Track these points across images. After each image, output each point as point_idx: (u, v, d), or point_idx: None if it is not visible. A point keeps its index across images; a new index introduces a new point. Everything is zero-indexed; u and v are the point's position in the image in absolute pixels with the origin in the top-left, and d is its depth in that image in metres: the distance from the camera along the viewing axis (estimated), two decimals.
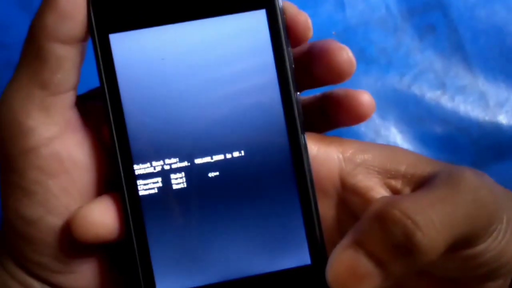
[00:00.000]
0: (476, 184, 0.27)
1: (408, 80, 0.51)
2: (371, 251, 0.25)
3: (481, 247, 0.27)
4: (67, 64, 0.29)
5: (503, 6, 0.52)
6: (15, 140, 0.29)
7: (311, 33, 0.31)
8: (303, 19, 0.30)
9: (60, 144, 0.29)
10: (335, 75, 0.31)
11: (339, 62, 0.30)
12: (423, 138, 0.50)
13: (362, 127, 0.51)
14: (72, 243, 0.29)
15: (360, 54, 0.52)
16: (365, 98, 0.32)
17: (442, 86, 0.51)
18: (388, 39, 0.52)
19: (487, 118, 0.51)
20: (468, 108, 0.51)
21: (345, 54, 0.31)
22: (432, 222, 0.25)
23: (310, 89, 0.33)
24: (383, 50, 0.52)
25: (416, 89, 0.51)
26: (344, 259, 0.26)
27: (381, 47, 0.52)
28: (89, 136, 0.31)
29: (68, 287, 0.31)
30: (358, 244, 0.26)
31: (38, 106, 0.29)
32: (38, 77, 0.29)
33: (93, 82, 0.31)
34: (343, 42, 0.51)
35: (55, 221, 0.29)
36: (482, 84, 0.51)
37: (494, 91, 0.51)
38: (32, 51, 0.29)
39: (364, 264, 0.25)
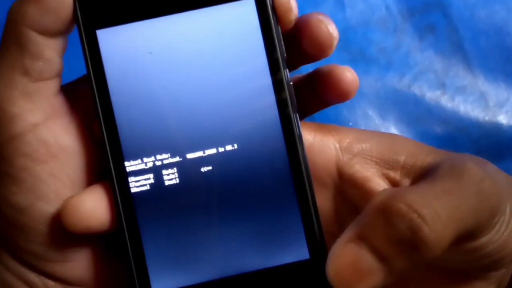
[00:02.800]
0: (480, 176, 0.27)
1: (408, 80, 0.51)
2: (374, 246, 0.24)
3: (484, 239, 0.27)
4: (47, 52, 0.29)
5: (503, 6, 0.51)
6: (0, 127, 0.29)
7: (292, 14, 0.30)
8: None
9: (46, 129, 0.29)
10: (317, 49, 0.30)
11: (318, 35, 0.30)
12: (423, 138, 0.50)
13: (362, 127, 0.51)
14: (65, 230, 0.29)
15: (360, 54, 0.52)
16: (347, 74, 0.31)
17: (442, 86, 0.51)
18: (388, 39, 0.52)
19: (487, 118, 0.51)
20: (468, 108, 0.51)
21: (324, 27, 0.30)
22: (438, 216, 0.24)
23: (300, 65, 0.33)
24: (383, 50, 0.52)
25: (416, 89, 0.51)
26: (345, 254, 0.25)
27: (381, 47, 0.52)
28: (77, 122, 0.30)
29: (64, 276, 0.31)
30: (361, 238, 0.25)
31: (21, 93, 0.29)
32: (19, 64, 0.28)
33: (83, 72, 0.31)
34: (343, 42, 0.52)
35: (45, 207, 0.29)
36: (482, 84, 0.51)
37: (494, 91, 0.51)
38: (11, 37, 0.28)
39: (367, 259, 0.24)
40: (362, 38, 0.52)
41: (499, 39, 0.51)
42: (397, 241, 0.24)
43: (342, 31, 0.52)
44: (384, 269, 0.25)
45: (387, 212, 0.25)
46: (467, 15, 0.51)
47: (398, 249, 0.24)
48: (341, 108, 0.51)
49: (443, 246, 0.25)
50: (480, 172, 0.27)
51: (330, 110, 0.51)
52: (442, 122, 0.51)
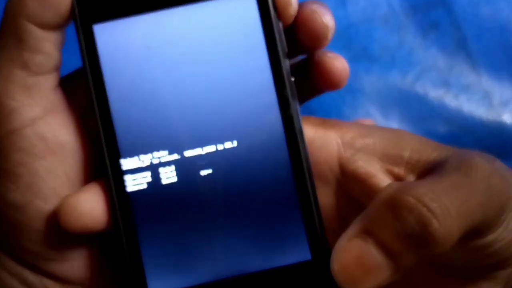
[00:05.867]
0: (489, 171, 0.26)
1: (411, 79, 0.51)
2: (381, 240, 0.24)
3: (491, 236, 0.26)
4: (47, 45, 0.28)
5: (507, 3, 0.51)
6: None
7: (291, 9, 0.29)
8: None
9: (44, 125, 0.29)
10: (312, 40, 0.30)
11: (313, 26, 0.29)
12: (426, 137, 0.50)
13: None
14: (62, 229, 0.29)
15: (363, 52, 0.51)
16: (336, 64, 0.31)
17: (445, 84, 0.51)
18: (390, 36, 0.51)
19: (491, 117, 0.50)
20: (472, 107, 0.51)
21: (318, 18, 0.29)
22: (448, 210, 0.24)
23: (297, 56, 0.32)
24: (386, 48, 0.51)
25: (419, 88, 0.51)
26: (351, 249, 0.24)
27: (383, 45, 0.51)
28: (75, 118, 0.30)
29: (62, 275, 0.30)
30: (367, 233, 0.24)
31: (20, 87, 0.28)
32: (17, 58, 0.28)
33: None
34: (344, 39, 0.51)
35: (43, 205, 0.29)
36: (486, 82, 0.51)
37: (498, 89, 0.51)
38: (10, 30, 0.28)
39: (374, 254, 0.24)
40: (364, 36, 0.51)
41: (503, 37, 0.51)
42: (405, 235, 0.24)
43: (344, 28, 0.51)
44: (391, 264, 0.24)
45: (395, 206, 0.24)
46: (470, 12, 0.51)
47: (406, 243, 0.24)
48: (343, 107, 0.51)
49: (452, 241, 0.24)
50: (489, 167, 0.26)
51: (331, 109, 0.51)
52: (445, 121, 0.50)
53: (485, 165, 0.26)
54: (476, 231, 0.26)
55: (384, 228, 0.24)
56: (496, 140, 0.50)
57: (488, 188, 0.26)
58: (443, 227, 0.23)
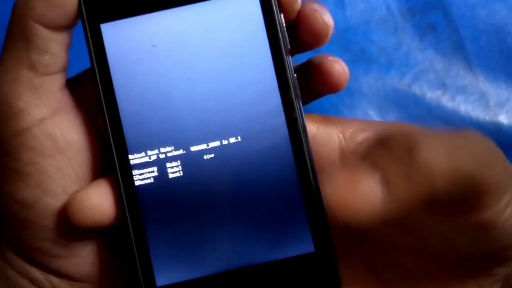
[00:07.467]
0: (487, 145, 0.26)
1: (409, 80, 0.51)
2: (375, 164, 0.25)
3: (491, 211, 0.26)
4: (54, 46, 0.29)
5: (504, 5, 0.52)
6: (7, 122, 0.29)
7: (297, 4, 0.30)
8: None
9: (52, 124, 0.29)
10: (313, 38, 0.30)
11: (313, 25, 0.30)
12: None
13: None
14: (71, 226, 0.29)
15: (360, 54, 0.52)
16: (336, 67, 0.31)
17: (442, 86, 0.51)
18: (388, 38, 0.52)
19: (487, 118, 0.51)
20: (468, 108, 0.51)
21: (319, 16, 0.30)
22: (435, 143, 0.25)
23: (296, 54, 0.33)
24: (384, 50, 0.52)
25: (416, 89, 0.51)
26: (345, 174, 0.25)
27: (381, 47, 0.52)
28: (83, 117, 0.30)
29: (69, 272, 0.30)
30: (364, 157, 0.26)
31: (28, 87, 0.29)
32: (25, 58, 0.28)
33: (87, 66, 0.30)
34: (343, 41, 0.51)
35: (52, 203, 0.29)
36: (483, 84, 0.51)
37: (494, 91, 0.51)
38: (17, 31, 0.28)
39: (366, 176, 0.25)
40: (363, 38, 0.52)
41: (499, 38, 0.51)
42: (394, 159, 0.25)
43: (342, 30, 0.52)
44: (383, 191, 0.25)
45: (387, 140, 0.26)
46: (467, 14, 0.52)
47: (396, 165, 0.25)
48: (341, 108, 0.51)
49: (441, 172, 0.24)
50: (488, 142, 0.27)
51: (330, 110, 0.52)
52: (442, 121, 0.51)
53: (484, 140, 0.26)
54: (472, 188, 0.25)
55: (377, 155, 0.25)
56: (492, 140, 0.50)
57: (482, 154, 0.26)
58: (428, 150, 0.24)
